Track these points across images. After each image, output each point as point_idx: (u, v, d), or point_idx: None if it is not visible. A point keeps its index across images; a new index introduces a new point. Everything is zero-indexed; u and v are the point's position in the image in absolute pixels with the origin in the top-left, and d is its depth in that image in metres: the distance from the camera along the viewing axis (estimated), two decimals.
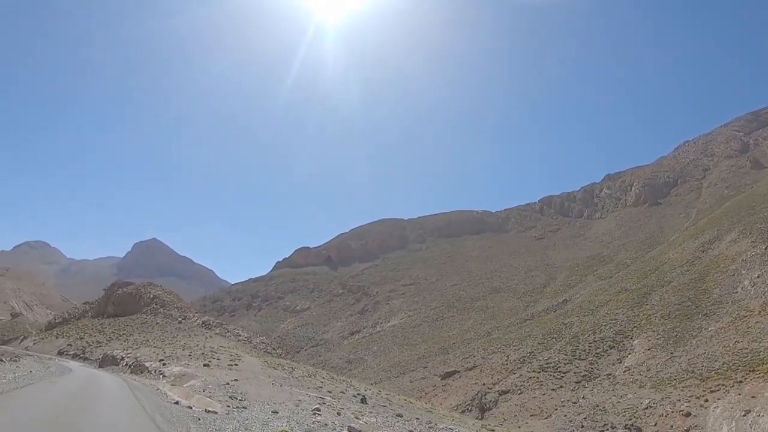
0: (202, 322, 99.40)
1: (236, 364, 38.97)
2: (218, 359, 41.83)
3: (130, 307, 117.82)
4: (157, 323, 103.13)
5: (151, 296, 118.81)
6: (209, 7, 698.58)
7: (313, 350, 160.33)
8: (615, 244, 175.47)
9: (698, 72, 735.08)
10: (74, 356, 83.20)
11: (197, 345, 65.03)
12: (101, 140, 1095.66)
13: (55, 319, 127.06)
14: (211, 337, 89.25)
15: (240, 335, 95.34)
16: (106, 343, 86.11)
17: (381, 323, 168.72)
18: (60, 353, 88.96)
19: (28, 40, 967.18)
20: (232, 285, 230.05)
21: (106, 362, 55.89)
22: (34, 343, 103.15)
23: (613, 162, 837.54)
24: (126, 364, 48.37)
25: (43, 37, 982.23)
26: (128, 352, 53.24)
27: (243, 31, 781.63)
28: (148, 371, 38.74)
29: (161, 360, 41.14)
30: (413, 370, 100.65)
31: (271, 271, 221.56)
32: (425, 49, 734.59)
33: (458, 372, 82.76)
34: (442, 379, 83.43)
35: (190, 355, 43.38)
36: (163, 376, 33.85)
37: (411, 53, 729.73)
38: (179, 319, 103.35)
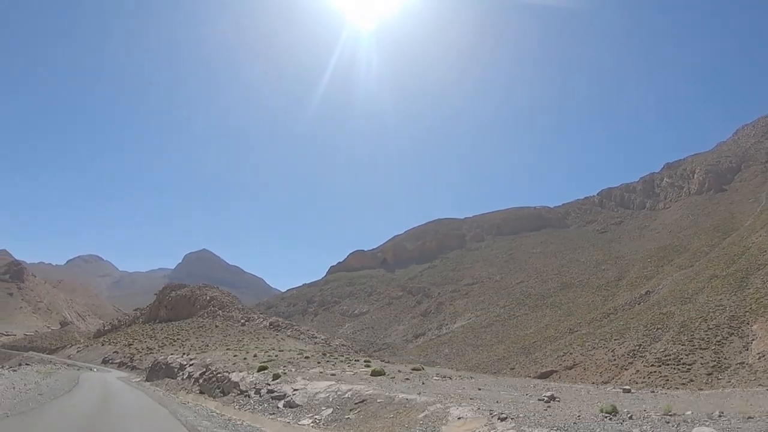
0: (270, 324, 78.89)
1: (418, 369, 17.38)
2: (368, 364, 19.91)
3: (184, 310, 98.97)
4: (216, 326, 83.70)
5: (208, 298, 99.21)
6: (241, 16, 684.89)
7: (376, 355, 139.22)
8: (685, 234, 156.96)
9: (752, 52, 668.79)
10: (120, 365, 64.87)
11: (276, 348, 44.51)
12: (148, 156, 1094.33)
13: (104, 327, 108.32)
14: (283, 339, 68.88)
15: (316, 337, 74.39)
16: (158, 350, 66.92)
17: (447, 324, 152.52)
18: (105, 361, 71.55)
19: (84, 65, 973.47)
20: (286, 291, 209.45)
21: (158, 373, 34.82)
22: (77, 351, 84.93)
23: (671, 150, 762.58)
24: (188, 377, 26.89)
25: (95, 61, 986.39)
26: (191, 357, 31.85)
27: (277, 39, 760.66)
28: (240, 391, 17.21)
29: (264, 368, 19.21)
30: (496, 372, 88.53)
31: (325, 275, 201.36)
32: (463, 47, 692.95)
33: (556, 371, 73.19)
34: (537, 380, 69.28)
35: (308, 358, 21.74)
36: (290, 406, 11.96)
37: (447, 53, 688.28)
38: (242, 320, 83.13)
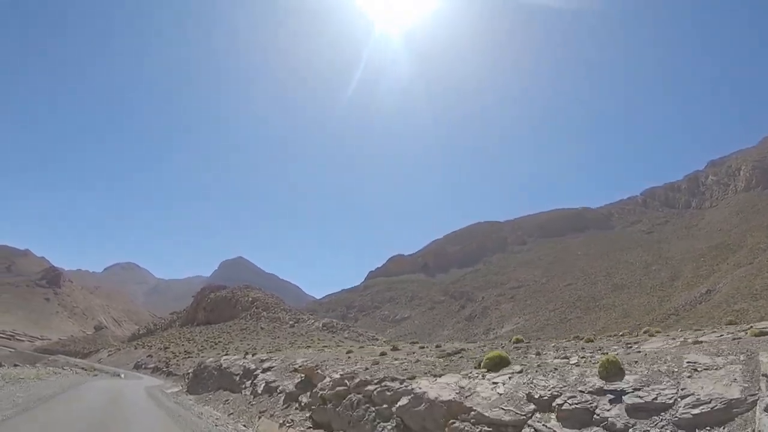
0: (323, 325, 67.06)
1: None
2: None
3: (224, 312, 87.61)
4: (261, 328, 71.90)
5: (250, 299, 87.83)
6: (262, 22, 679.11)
7: None
8: (737, 231, 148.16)
9: None
10: (154, 370, 53.44)
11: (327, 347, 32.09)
12: (184, 166, 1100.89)
13: (139, 331, 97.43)
14: (341, 341, 56.28)
15: (377, 339, 61.85)
16: (197, 354, 55.12)
17: (494, 329, 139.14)
18: (137, 366, 60.42)
19: (118, 80, 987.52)
20: (323, 297, 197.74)
21: (206, 383, 22.39)
22: (108, 355, 74.58)
23: (714, 147, 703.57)
24: (267, 391, 13.78)
25: (130, 76, 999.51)
26: (263, 358, 18.91)
27: (308, 44, 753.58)
28: None
29: (502, 362, 6.60)
30: None
31: (364, 281, 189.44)
32: (495, 49, 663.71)
33: None
34: None
35: (520, 342, 9.16)
36: None
37: (480, 55, 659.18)
38: (290, 322, 71.41)
